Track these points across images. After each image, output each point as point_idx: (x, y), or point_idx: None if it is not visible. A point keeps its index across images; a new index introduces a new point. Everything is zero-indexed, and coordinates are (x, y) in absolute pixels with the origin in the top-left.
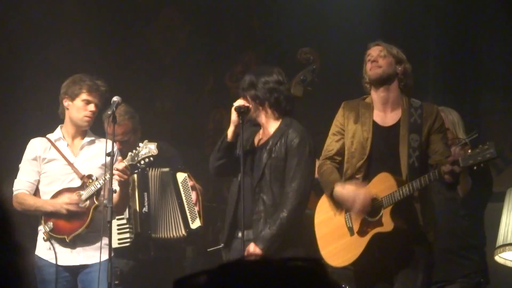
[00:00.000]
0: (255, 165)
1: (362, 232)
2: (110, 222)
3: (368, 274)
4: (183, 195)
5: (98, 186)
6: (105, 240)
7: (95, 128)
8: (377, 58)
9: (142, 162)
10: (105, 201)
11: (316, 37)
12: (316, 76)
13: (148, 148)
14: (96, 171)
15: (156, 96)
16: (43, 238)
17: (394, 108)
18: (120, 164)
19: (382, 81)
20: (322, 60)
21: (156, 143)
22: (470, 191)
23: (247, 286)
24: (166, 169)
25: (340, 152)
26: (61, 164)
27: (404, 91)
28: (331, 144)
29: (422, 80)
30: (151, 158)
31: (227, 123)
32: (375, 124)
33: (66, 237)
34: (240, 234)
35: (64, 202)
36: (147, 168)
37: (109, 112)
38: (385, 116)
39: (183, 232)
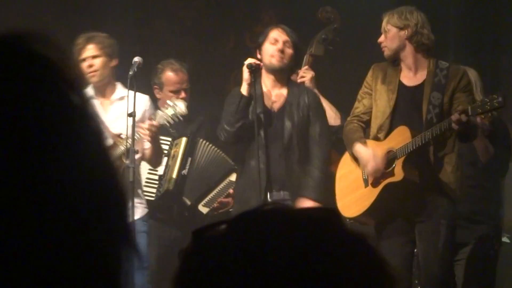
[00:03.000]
0: (276, 130)
1: (375, 183)
2: (133, 183)
3: (386, 225)
4: (219, 186)
5: (127, 146)
6: (137, 199)
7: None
8: (381, 39)
9: (172, 121)
10: (127, 162)
11: None
12: (337, 35)
13: (178, 107)
14: (126, 128)
15: (176, 57)
16: None
17: (420, 69)
18: (146, 123)
19: (394, 56)
20: (343, 19)
21: (186, 102)
22: (493, 158)
23: (266, 234)
24: (231, 162)
25: (367, 111)
26: None
27: (421, 49)
28: (359, 104)
29: (442, 40)
30: (180, 118)
31: None
32: (401, 84)
33: None
34: (276, 197)
35: None
36: (199, 139)
37: (130, 73)
38: (412, 76)
39: (189, 202)
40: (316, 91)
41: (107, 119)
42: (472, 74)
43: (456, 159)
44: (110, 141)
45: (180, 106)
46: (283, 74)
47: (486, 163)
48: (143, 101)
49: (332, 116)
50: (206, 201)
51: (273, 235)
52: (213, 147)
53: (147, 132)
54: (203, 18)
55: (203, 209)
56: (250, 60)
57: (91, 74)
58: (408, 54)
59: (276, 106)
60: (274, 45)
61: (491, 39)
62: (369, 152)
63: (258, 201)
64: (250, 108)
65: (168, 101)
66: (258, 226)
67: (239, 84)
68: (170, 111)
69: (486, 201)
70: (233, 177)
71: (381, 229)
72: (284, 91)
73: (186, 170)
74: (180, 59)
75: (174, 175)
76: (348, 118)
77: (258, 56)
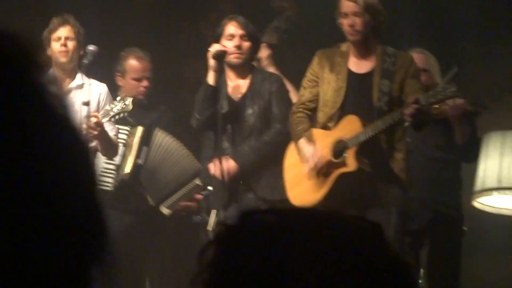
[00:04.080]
0: (240, 120)
1: (327, 173)
2: None
3: None
4: (183, 189)
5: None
6: None
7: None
8: (354, 21)
9: (117, 117)
10: None
11: None
12: (291, 24)
13: (123, 103)
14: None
15: (129, 45)
16: None
17: (369, 54)
18: (92, 119)
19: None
20: (298, 6)
21: (132, 98)
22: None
23: (314, 234)
24: (195, 161)
25: (314, 100)
26: None
27: (376, 35)
28: (305, 92)
29: (397, 24)
30: (126, 114)
31: (204, 72)
32: (350, 72)
33: None
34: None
35: None
36: (156, 128)
37: (85, 61)
38: (360, 63)
39: (152, 202)
40: (273, 69)
41: None
42: (430, 58)
43: (405, 146)
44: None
45: (128, 103)
46: (244, 67)
47: (463, 145)
48: (99, 89)
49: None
50: (169, 203)
51: (322, 237)
52: (170, 138)
53: (92, 130)
54: (158, 5)
55: (165, 211)
56: (215, 47)
57: (62, 53)
58: (367, 40)
59: (238, 96)
60: (230, 41)
61: (447, 24)
62: (309, 150)
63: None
64: (217, 97)
65: (117, 97)
66: (308, 225)
67: (194, 71)
68: (117, 107)
69: (450, 187)
70: (198, 181)
71: None
72: (246, 81)
73: (142, 159)
74: (135, 46)
75: (130, 165)
76: (294, 107)
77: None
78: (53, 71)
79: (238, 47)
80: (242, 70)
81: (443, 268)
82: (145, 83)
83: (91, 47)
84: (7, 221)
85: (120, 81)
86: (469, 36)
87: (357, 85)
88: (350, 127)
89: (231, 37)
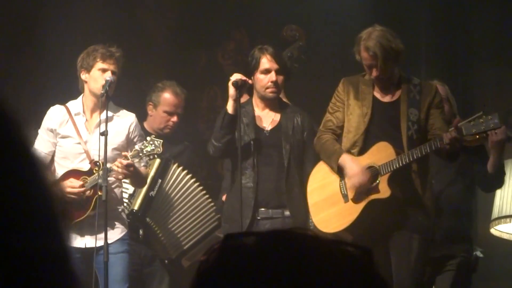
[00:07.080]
0: (269, 151)
1: (357, 199)
2: (105, 202)
3: (364, 240)
4: (204, 241)
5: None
6: (116, 221)
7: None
8: (379, 70)
9: (146, 159)
10: (99, 180)
11: (304, 14)
12: (302, 53)
13: (154, 145)
14: (109, 153)
15: (149, 74)
16: None
17: (394, 85)
18: (123, 160)
19: None
20: (310, 37)
21: (162, 141)
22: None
23: (295, 258)
24: (215, 214)
25: (340, 125)
26: (74, 143)
27: (397, 65)
28: (331, 116)
29: (414, 54)
30: (155, 156)
31: (221, 101)
32: (375, 99)
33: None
34: (264, 214)
35: (66, 191)
36: (172, 161)
37: (102, 92)
38: (386, 92)
39: (173, 256)
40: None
41: (90, 141)
42: (445, 89)
43: (430, 175)
44: (87, 167)
45: (158, 145)
46: (276, 99)
47: (494, 172)
48: (129, 120)
49: None
50: (189, 256)
51: (302, 259)
52: (187, 174)
53: (122, 172)
54: (174, 35)
55: (185, 263)
56: (236, 76)
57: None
58: (391, 75)
59: (269, 128)
60: (266, 75)
61: (462, 51)
62: (359, 166)
63: (246, 219)
64: (235, 125)
65: (147, 138)
66: (288, 247)
67: (212, 101)
68: (147, 149)
69: (469, 216)
70: (220, 233)
71: (358, 241)
72: (277, 113)
73: (154, 191)
74: (152, 77)
75: (141, 196)
76: (321, 129)
77: (250, 81)
78: (83, 98)
79: (275, 82)
80: (274, 102)
81: None
82: (175, 118)
83: (108, 77)
84: None
85: (150, 111)
86: (486, 62)
87: (383, 113)
88: (383, 153)
89: (267, 72)
